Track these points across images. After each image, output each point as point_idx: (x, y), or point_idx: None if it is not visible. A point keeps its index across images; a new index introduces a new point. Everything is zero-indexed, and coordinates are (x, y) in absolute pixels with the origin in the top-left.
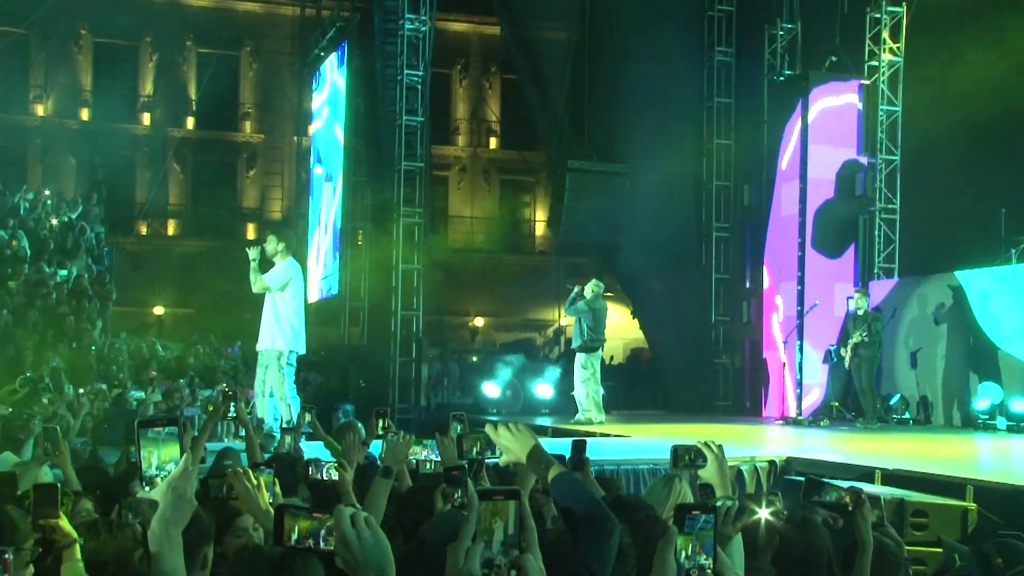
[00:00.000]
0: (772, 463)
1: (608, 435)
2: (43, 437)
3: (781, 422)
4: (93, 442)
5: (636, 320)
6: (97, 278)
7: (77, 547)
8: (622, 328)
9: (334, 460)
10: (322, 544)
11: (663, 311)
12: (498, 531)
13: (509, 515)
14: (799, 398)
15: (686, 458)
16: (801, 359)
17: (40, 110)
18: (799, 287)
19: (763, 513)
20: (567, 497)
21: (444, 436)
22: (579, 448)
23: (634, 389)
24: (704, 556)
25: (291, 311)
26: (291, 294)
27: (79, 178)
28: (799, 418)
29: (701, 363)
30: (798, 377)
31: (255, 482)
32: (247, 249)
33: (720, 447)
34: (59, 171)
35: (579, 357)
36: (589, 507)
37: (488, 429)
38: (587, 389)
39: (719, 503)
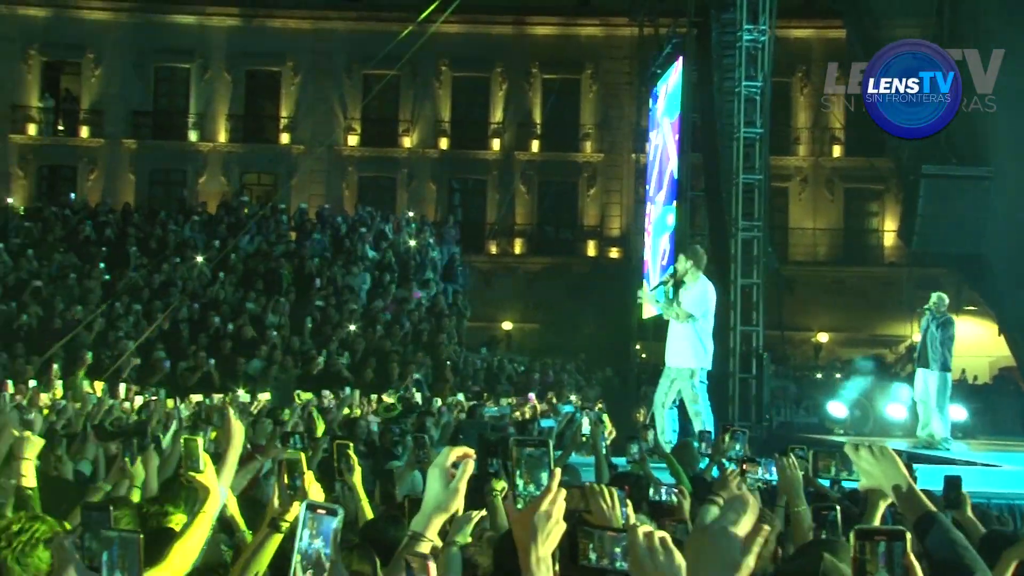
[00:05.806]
0: None
1: (974, 464)
2: (414, 445)
3: None
4: None
5: (1002, 337)
6: (453, 296)
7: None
8: (988, 345)
9: (674, 482)
10: (618, 564)
11: None
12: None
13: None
14: None
15: None
16: None
17: (407, 142)
18: None
19: None
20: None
21: (784, 457)
22: (954, 485)
23: (1001, 412)
24: None
25: (700, 330)
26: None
27: (439, 202)
28: None
29: None
30: None
31: (610, 500)
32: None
33: None
34: (422, 197)
35: (933, 376)
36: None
37: (848, 448)
38: (939, 409)
39: None
